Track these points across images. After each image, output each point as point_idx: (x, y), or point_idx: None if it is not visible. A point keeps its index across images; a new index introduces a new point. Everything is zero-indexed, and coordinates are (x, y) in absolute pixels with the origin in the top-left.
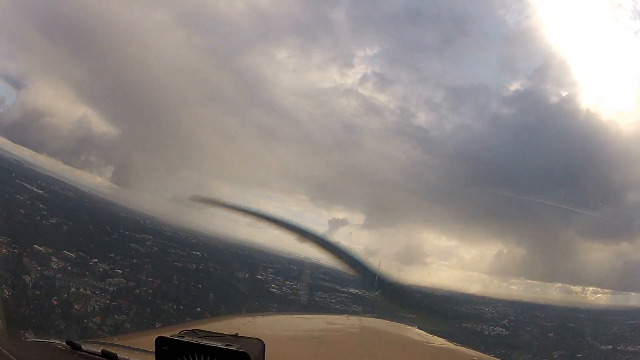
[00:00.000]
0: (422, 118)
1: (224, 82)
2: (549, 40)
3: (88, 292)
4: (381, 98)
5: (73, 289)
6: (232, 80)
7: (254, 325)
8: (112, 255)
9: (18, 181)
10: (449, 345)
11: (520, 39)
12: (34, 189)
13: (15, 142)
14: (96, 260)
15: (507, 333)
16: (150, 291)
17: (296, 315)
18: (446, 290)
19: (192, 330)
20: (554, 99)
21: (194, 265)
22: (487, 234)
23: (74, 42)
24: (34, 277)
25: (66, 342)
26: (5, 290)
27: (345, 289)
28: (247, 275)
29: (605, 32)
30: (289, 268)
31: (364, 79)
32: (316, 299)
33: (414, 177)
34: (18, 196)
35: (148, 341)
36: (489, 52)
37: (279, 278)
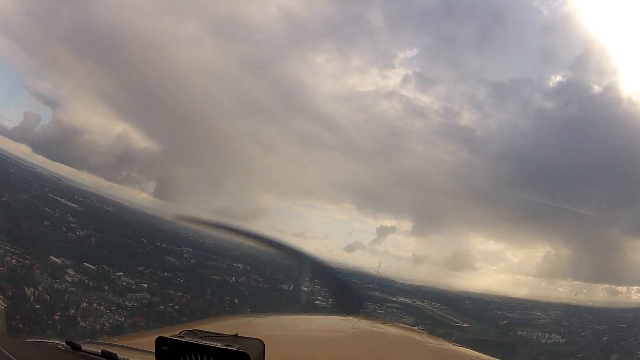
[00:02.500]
0: (467, 117)
1: (261, 91)
2: (587, 26)
3: (102, 307)
4: (424, 99)
5: (84, 304)
6: (270, 89)
7: (254, 325)
8: (141, 268)
9: (51, 195)
10: (449, 345)
11: (558, 26)
12: (68, 202)
13: (53, 160)
14: (121, 273)
15: (563, 340)
16: (176, 307)
17: (296, 315)
18: (496, 295)
19: (192, 331)
20: (596, 89)
21: (233, 278)
22: (534, 235)
23: (107, 60)
24: (40, 289)
25: (66, 342)
26: (4, 302)
27: (395, 298)
28: (291, 287)
29: None
30: (336, 279)
31: (405, 80)
32: (365, 310)
33: (459, 179)
34: (47, 209)
35: (148, 341)
36: (528, 43)
37: (325, 289)
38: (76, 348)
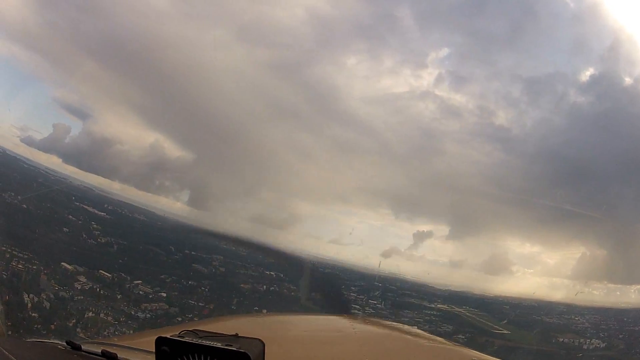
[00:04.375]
0: (502, 116)
1: (293, 96)
2: (614, 15)
3: (109, 317)
4: (458, 98)
5: (90, 314)
6: (301, 94)
7: (254, 325)
8: (163, 276)
9: (77, 204)
10: (449, 345)
11: (587, 16)
12: (96, 210)
13: (85, 170)
14: (139, 282)
15: (604, 345)
16: (195, 319)
17: (296, 315)
18: (532, 300)
19: (192, 331)
20: (627, 80)
21: (264, 287)
22: (569, 236)
23: (135, 69)
24: (43, 296)
25: (66, 342)
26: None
27: (433, 305)
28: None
29: None
30: (373, 285)
31: (438, 79)
32: (403, 318)
33: (495, 180)
34: (71, 217)
35: (148, 341)
36: (559, 35)
37: (362, 297)
38: (76, 348)
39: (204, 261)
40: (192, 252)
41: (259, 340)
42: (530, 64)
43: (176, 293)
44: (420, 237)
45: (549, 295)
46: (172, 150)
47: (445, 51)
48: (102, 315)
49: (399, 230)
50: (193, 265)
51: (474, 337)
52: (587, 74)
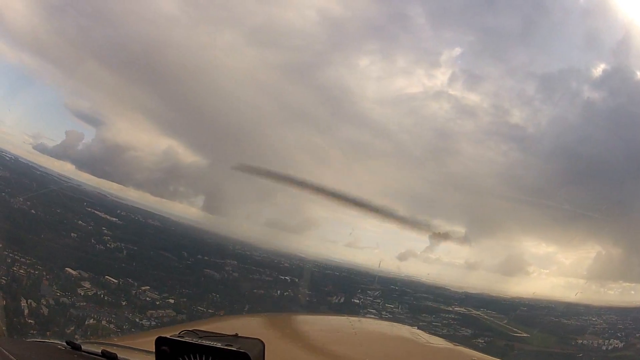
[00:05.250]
0: (517, 114)
1: (306, 99)
2: (625, 7)
3: (111, 325)
4: (473, 97)
5: (91, 320)
6: (314, 96)
7: (254, 325)
8: (173, 282)
9: (89, 209)
10: (449, 345)
11: (598, 8)
12: (107, 216)
13: (99, 177)
14: (147, 287)
15: (622, 345)
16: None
17: (296, 315)
18: (548, 300)
19: (192, 331)
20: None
21: (279, 292)
22: (585, 235)
23: (146, 75)
24: (43, 302)
25: (66, 342)
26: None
27: (451, 308)
28: (341, 300)
29: None
30: (389, 289)
31: (452, 78)
32: (420, 323)
33: (511, 180)
34: (80, 222)
35: (148, 341)
36: (571, 29)
37: (379, 301)
38: (76, 348)
39: (217, 266)
40: (205, 257)
41: (259, 340)
42: (543, 60)
43: (185, 299)
44: (437, 239)
45: (564, 296)
46: (186, 155)
47: (458, 49)
48: (104, 322)
49: (415, 234)
50: (205, 270)
51: (494, 341)
52: (599, 68)
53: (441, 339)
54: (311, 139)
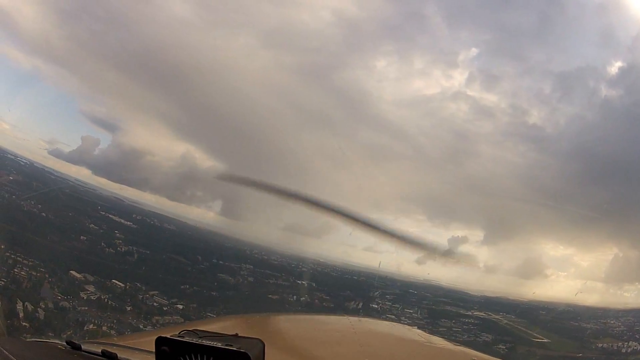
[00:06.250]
0: (535, 114)
1: (323, 101)
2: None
3: (112, 331)
4: (491, 97)
5: (91, 326)
6: (331, 99)
7: (254, 325)
8: (184, 287)
9: (103, 213)
10: (449, 345)
11: (612, 3)
12: (122, 220)
13: (115, 182)
14: (155, 292)
15: None
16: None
17: (296, 315)
18: (566, 304)
19: (192, 330)
20: None
21: (294, 297)
22: (602, 237)
23: (162, 80)
24: (42, 305)
25: (66, 342)
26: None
27: (470, 313)
28: (359, 306)
29: None
30: (407, 293)
31: (470, 78)
32: (440, 328)
33: (530, 182)
34: (93, 225)
35: (148, 341)
36: (586, 26)
37: (397, 305)
38: (76, 348)
39: (232, 270)
40: (220, 262)
41: (259, 340)
42: (560, 58)
43: (195, 305)
44: (455, 242)
45: (582, 299)
46: (203, 160)
47: (475, 49)
48: (104, 327)
49: (434, 237)
50: (219, 275)
51: (515, 347)
52: (615, 65)
53: (441, 339)
54: (329, 142)
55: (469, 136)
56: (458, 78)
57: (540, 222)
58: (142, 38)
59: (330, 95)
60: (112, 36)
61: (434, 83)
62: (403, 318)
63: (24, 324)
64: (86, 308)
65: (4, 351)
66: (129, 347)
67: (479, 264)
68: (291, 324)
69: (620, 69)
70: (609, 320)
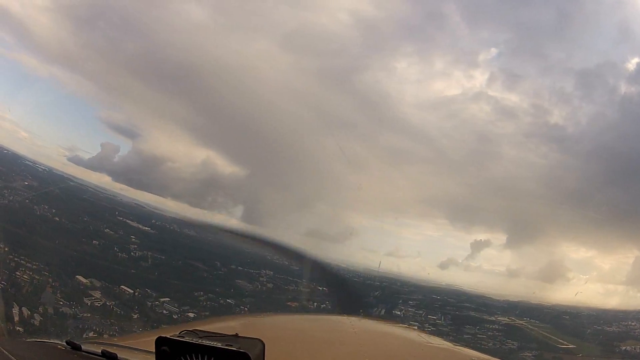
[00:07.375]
0: (557, 114)
1: (344, 104)
2: None
3: (114, 339)
4: (512, 97)
5: (91, 333)
6: (352, 102)
7: (254, 325)
8: (197, 294)
9: (120, 218)
10: (449, 345)
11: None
12: (139, 225)
13: (136, 188)
14: (166, 299)
15: None
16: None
17: (296, 315)
18: (588, 308)
19: (192, 330)
20: None
21: (315, 304)
22: (623, 238)
23: (181, 86)
24: (40, 309)
25: (66, 342)
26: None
27: (494, 318)
28: (382, 312)
29: None
30: (431, 298)
31: (491, 78)
32: (465, 336)
33: (552, 183)
34: (108, 230)
35: (148, 341)
36: (604, 22)
37: (421, 312)
38: (76, 348)
39: (251, 277)
40: (239, 267)
41: (259, 340)
42: (579, 55)
43: (207, 312)
44: (477, 246)
45: (603, 303)
46: (224, 166)
47: (495, 48)
48: (105, 336)
49: (456, 241)
50: (237, 281)
51: (542, 355)
52: (634, 61)
53: (441, 339)
54: (350, 145)
55: (491, 137)
56: (479, 78)
57: (562, 224)
58: (160, 44)
59: (351, 98)
60: (130, 43)
61: (455, 84)
62: (426, 325)
63: (17, 328)
64: (88, 314)
65: (4, 351)
66: (129, 347)
67: (501, 267)
68: (291, 324)
69: (638, 65)
70: (629, 322)
